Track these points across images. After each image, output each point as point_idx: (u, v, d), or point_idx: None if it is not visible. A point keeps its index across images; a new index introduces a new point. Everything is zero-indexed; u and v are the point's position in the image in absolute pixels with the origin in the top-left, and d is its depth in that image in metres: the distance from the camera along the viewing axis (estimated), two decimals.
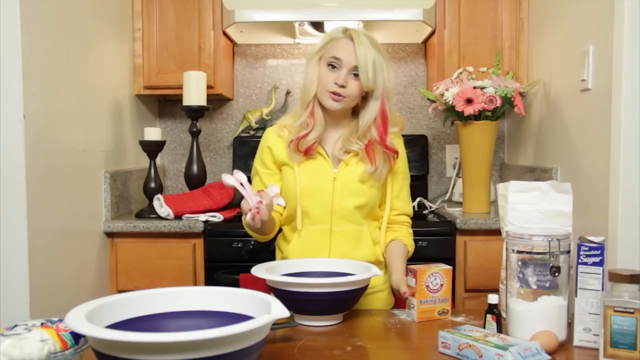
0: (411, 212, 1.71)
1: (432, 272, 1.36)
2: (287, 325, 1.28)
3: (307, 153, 1.58)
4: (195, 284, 2.28)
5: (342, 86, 1.53)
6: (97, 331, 0.84)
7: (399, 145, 1.65)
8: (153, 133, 2.42)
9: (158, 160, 2.79)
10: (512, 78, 2.43)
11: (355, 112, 1.64)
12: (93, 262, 2.20)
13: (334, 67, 1.55)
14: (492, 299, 1.23)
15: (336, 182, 1.58)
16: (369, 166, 1.57)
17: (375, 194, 1.61)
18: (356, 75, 1.54)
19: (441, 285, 1.37)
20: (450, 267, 1.39)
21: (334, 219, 1.58)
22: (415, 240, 2.17)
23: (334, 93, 1.54)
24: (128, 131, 2.57)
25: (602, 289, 1.16)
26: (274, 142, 1.64)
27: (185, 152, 2.90)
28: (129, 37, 2.57)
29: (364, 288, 1.36)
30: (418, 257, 2.19)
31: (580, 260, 1.17)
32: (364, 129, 1.57)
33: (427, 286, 1.36)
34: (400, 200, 1.67)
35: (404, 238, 1.66)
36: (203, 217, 2.31)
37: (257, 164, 1.68)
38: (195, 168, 2.54)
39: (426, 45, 2.90)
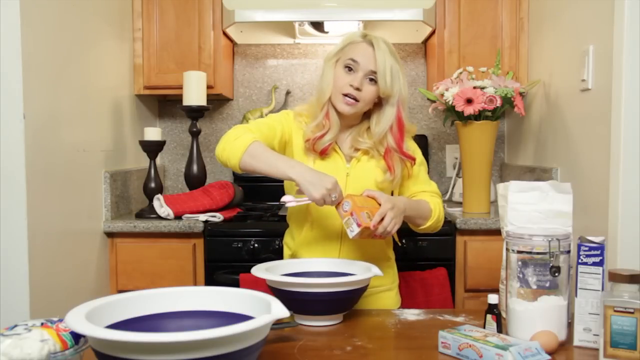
0: (437, 190, 1.69)
1: (344, 200, 1.42)
2: (287, 325, 1.28)
3: (323, 154, 1.58)
4: (195, 284, 2.28)
5: (357, 89, 1.53)
6: (97, 331, 0.84)
7: (414, 148, 1.67)
8: (153, 133, 2.42)
9: (158, 160, 2.80)
10: (512, 78, 2.43)
11: (366, 114, 1.64)
12: (93, 262, 2.20)
13: (350, 69, 1.55)
14: (492, 299, 1.23)
15: (349, 178, 1.59)
16: (389, 175, 1.58)
17: (387, 189, 1.63)
18: (372, 80, 1.54)
19: (351, 213, 1.39)
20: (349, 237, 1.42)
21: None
22: (415, 240, 2.19)
23: (348, 95, 1.54)
24: (128, 131, 2.57)
25: (602, 289, 1.16)
26: (295, 124, 1.62)
27: (185, 152, 2.90)
28: (129, 37, 2.57)
29: (364, 288, 1.36)
30: (418, 257, 2.20)
31: (580, 260, 1.17)
32: (379, 136, 1.58)
33: (342, 204, 1.42)
34: (419, 184, 1.67)
35: (430, 200, 1.63)
36: (203, 217, 2.31)
37: (271, 117, 1.63)
38: (195, 168, 2.54)
39: (426, 45, 2.90)
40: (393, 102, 1.57)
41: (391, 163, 1.58)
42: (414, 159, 1.62)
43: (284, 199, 1.45)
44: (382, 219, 1.41)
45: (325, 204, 1.40)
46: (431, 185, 1.68)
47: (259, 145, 1.46)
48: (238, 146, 1.45)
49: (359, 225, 1.37)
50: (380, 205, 1.44)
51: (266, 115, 2.83)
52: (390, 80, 1.53)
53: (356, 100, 1.54)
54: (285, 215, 1.73)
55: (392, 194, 1.65)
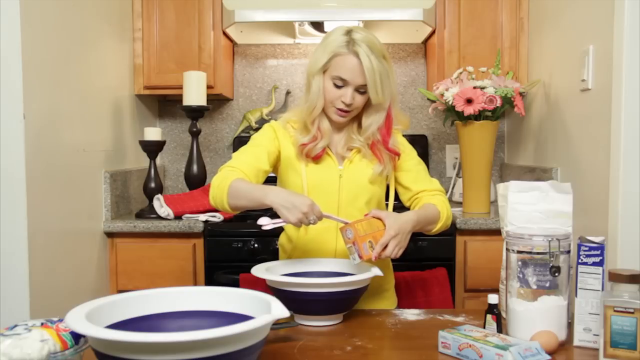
0: (439, 187, 1.66)
1: (347, 228, 1.40)
2: (287, 325, 1.28)
3: (316, 159, 1.58)
4: (195, 284, 2.28)
5: (349, 104, 1.54)
6: (97, 331, 0.84)
7: (401, 142, 1.66)
8: (153, 133, 2.42)
9: (158, 160, 2.80)
10: (512, 78, 2.43)
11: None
12: (93, 262, 2.20)
13: (339, 86, 1.53)
14: (492, 299, 1.23)
15: (342, 179, 1.59)
16: (377, 166, 1.59)
17: (380, 190, 1.63)
18: (362, 92, 1.54)
19: (353, 242, 1.38)
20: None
21: (341, 216, 1.58)
22: (415, 240, 2.19)
23: (340, 109, 1.55)
24: (128, 131, 2.57)
25: (602, 289, 1.16)
26: (281, 133, 1.62)
27: (185, 152, 2.90)
28: (129, 37, 2.57)
29: (364, 288, 1.36)
30: (418, 257, 2.20)
31: (580, 260, 1.17)
32: (367, 134, 1.58)
33: (346, 230, 1.40)
34: (420, 182, 1.65)
35: (435, 201, 1.60)
36: (203, 217, 2.31)
37: (261, 138, 1.62)
38: (195, 168, 2.54)
39: (426, 45, 2.90)
40: (385, 107, 1.57)
41: (380, 155, 1.59)
42: (397, 154, 1.62)
43: (260, 221, 1.42)
44: (385, 247, 1.40)
45: (303, 225, 1.37)
46: (433, 183, 1.66)
47: (236, 184, 1.46)
48: (221, 193, 1.48)
49: (360, 257, 1.38)
50: (385, 226, 1.42)
51: (266, 115, 2.85)
52: (382, 89, 1.52)
53: (349, 111, 1.55)
54: None
55: (387, 193, 1.66)
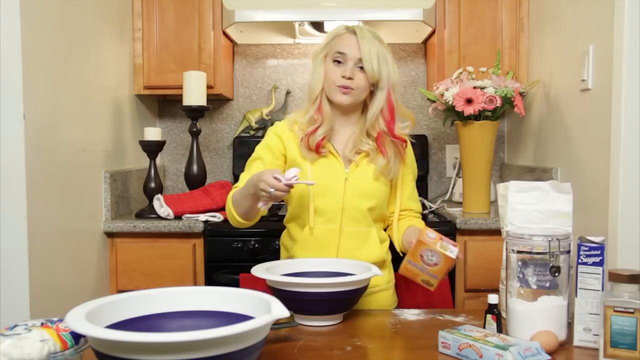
0: (421, 209, 1.78)
1: (430, 248, 1.36)
2: (287, 325, 1.28)
3: (317, 150, 1.58)
4: (195, 284, 2.28)
5: (350, 78, 1.56)
6: (97, 331, 0.84)
7: (409, 152, 1.71)
8: (153, 133, 2.42)
9: (158, 160, 2.79)
10: (512, 78, 2.43)
11: (364, 109, 1.66)
12: (93, 262, 2.20)
13: (339, 62, 1.57)
14: (492, 299, 1.23)
15: (348, 183, 1.59)
16: (382, 159, 1.60)
17: (385, 194, 1.64)
18: (362, 68, 1.56)
19: (435, 264, 1.37)
20: (452, 258, 1.37)
21: (344, 219, 1.59)
22: None
23: (342, 87, 1.56)
24: (128, 131, 2.57)
25: (602, 289, 1.16)
26: (286, 135, 1.63)
27: (185, 152, 2.90)
28: (129, 37, 2.57)
29: (364, 288, 1.36)
30: None
31: (580, 260, 1.18)
32: (371, 121, 1.60)
33: (421, 256, 1.37)
34: (412, 201, 1.73)
35: (420, 225, 1.70)
36: (203, 217, 2.31)
37: (261, 149, 1.66)
38: (195, 168, 2.54)
39: (426, 45, 2.90)
40: (383, 87, 1.59)
41: (383, 148, 1.60)
42: (404, 141, 1.65)
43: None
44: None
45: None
46: (418, 205, 1.76)
47: (234, 196, 1.57)
48: (230, 211, 1.58)
49: (454, 246, 1.38)
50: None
51: (266, 115, 2.85)
52: (377, 66, 1.56)
53: (350, 88, 1.57)
54: (284, 216, 1.73)
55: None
